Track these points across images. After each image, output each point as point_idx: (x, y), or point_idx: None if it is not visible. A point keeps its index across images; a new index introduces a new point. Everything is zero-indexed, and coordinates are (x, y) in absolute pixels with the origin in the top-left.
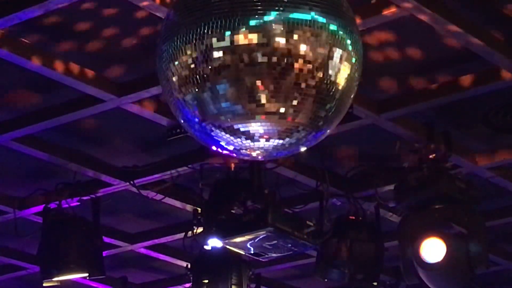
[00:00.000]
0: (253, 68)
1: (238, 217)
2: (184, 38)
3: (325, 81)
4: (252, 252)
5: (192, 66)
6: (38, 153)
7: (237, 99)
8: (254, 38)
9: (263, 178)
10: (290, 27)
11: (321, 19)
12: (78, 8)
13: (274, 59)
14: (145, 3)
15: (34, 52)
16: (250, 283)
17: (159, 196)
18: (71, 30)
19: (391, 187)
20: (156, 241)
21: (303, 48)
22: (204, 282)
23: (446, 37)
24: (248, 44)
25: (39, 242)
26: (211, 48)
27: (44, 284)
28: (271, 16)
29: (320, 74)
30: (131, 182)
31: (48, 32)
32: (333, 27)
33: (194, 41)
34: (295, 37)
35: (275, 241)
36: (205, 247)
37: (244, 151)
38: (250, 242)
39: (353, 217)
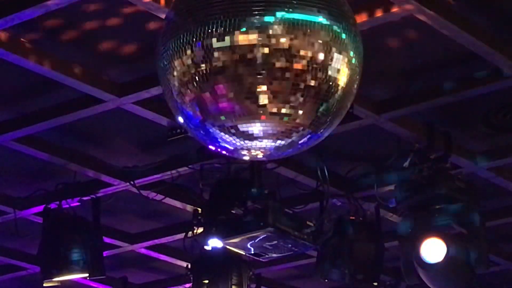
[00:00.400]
0: (253, 68)
1: (238, 217)
2: (185, 38)
3: (326, 82)
4: (252, 252)
5: (193, 66)
6: (38, 153)
7: (237, 99)
8: (254, 38)
9: (263, 178)
10: (290, 28)
11: (321, 20)
12: (78, 9)
13: (274, 59)
14: (145, 3)
15: (34, 52)
16: (250, 283)
17: (159, 196)
18: (71, 31)
19: (391, 187)
20: (156, 241)
21: (303, 48)
22: (204, 282)
23: (446, 37)
24: (248, 44)
25: (39, 242)
26: (211, 48)
27: (44, 284)
28: (271, 17)
29: (321, 75)
30: (131, 182)
31: (48, 32)
32: (333, 27)
33: (194, 41)
34: (295, 37)
35: (275, 241)
36: (205, 247)
37: (244, 151)
38: (250, 242)
39: (353, 217)
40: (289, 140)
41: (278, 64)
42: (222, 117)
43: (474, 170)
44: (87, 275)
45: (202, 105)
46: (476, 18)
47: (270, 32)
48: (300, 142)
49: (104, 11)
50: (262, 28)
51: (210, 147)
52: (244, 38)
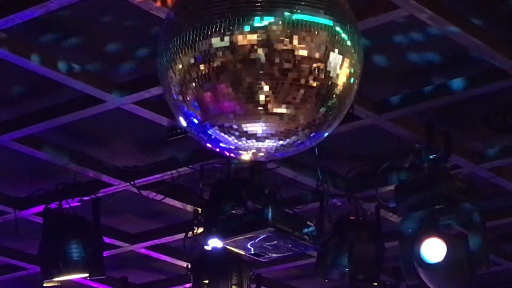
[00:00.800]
0: (254, 68)
1: (238, 217)
2: (185, 39)
3: (326, 82)
4: (252, 252)
5: (192, 66)
6: (38, 153)
7: (237, 99)
8: (254, 38)
9: (263, 178)
10: (291, 28)
11: (322, 20)
12: (78, 9)
13: (275, 59)
14: (145, 4)
15: (34, 52)
16: (251, 284)
17: (159, 196)
18: (72, 30)
19: (391, 187)
20: (157, 241)
21: (303, 48)
22: (204, 283)
23: (446, 37)
24: (249, 45)
25: (39, 242)
26: (211, 49)
27: (44, 285)
28: (272, 17)
29: (321, 75)
30: (132, 182)
31: (49, 32)
32: (333, 27)
33: (194, 42)
34: (296, 37)
35: (275, 241)
36: (206, 247)
37: (244, 151)
38: (251, 242)
39: (354, 217)
40: (289, 140)
41: (278, 64)
42: (222, 117)
43: (474, 170)
44: (87, 275)
45: (202, 105)
46: (476, 18)
47: (270, 32)
48: (300, 142)
49: (104, 11)
50: (262, 28)
51: (210, 147)
52: (244, 38)
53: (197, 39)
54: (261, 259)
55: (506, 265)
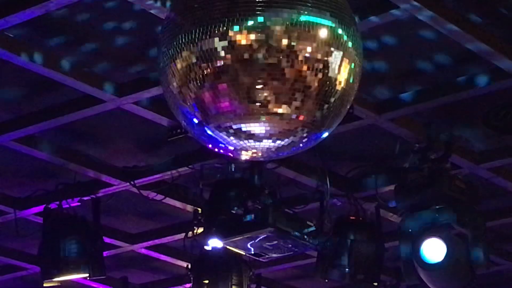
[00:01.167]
0: (254, 68)
1: (238, 217)
2: (185, 39)
3: (326, 82)
4: (252, 252)
5: (193, 66)
6: (38, 153)
7: (237, 99)
8: (254, 38)
9: (263, 178)
10: (290, 28)
11: (321, 20)
12: (78, 8)
13: (275, 59)
14: (145, 4)
15: (34, 53)
16: (251, 284)
17: (159, 196)
18: (72, 30)
19: (391, 187)
20: (157, 241)
21: (302, 48)
22: (204, 283)
23: (446, 37)
24: (249, 44)
25: (39, 242)
26: (211, 48)
27: (44, 285)
28: (272, 17)
29: (321, 75)
30: (132, 182)
31: (49, 33)
32: (333, 27)
33: (194, 41)
34: (295, 37)
35: (275, 242)
36: (206, 247)
37: (244, 151)
38: (250, 242)
39: (354, 217)
40: (289, 140)
41: (278, 64)
42: (222, 117)
43: (474, 170)
44: (87, 275)
45: (202, 105)
46: (476, 18)
47: (270, 32)
48: (300, 142)
49: (104, 11)
50: (263, 28)
51: (210, 147)
52: (244, 38)
53: (197, 39)
54: (261, 259)
55: (506, 265)
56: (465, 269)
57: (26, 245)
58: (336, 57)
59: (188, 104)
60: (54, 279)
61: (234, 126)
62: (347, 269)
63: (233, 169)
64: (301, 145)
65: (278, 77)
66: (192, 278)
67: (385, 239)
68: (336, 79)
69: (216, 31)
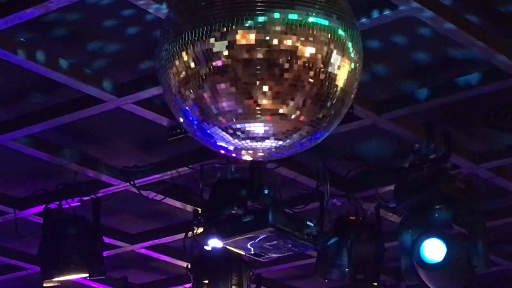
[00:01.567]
0: (253, 68)
1: (238, 217)
2: (185, 39)
3: (325, 82)
4: (252, 252)
5: (193, 66)
6: (38, 153)
7: (237, 99)
8: (254, 38)
9: (263, 178)
10: (290, 27)
11: (321, 20)
12: (78, 8)
13: (274, 59)
14: (145, 4)
15: (34, 53)
16: (251, 284)
17: (159, 197)
18: (72, 31)
19: (391, 187)
20: (157, 241)
21: (303, 48)
22: (204, 283)
23: (446, 37)
24: (248, 44)
25: (39, 242)
26: (211, 48)
27: (44, 285)
28: (271, 17)
29: (320, 75)
30: (131, 182)
31: (48, 33)
32: (333, 27)
33: (194, 41)
34: (295, 37)
35: (275, 242)
36: (206, 247)
37: (244, 151)
38: (250, 242)
39: (354, 218)
40: (289, 140)
41: (278, 64)
42: (222, 117)
43: (474, 170)
44: (87, 275)
45: (202, 105)
46: (476, 18)
47: (270, 32)
48: (300, 142)
49: (104, 11)
50: (262, 28)
51: (210, 147)
52: (244, 38)
53: (197, 38)
54: (261, 259)
55: (506, 265)
56: (465, 269)
57: (26, 245)
58: (336, 57)
59: (188, 104)
60: (54, 279)
61: (234, 126)
62: (347, 269)
63: (233, 169)
64: (301, 145)
65: (278, 77)
66: (192, 278)
67: (385, 239)
68: (336, 79)
69: (216, 31)
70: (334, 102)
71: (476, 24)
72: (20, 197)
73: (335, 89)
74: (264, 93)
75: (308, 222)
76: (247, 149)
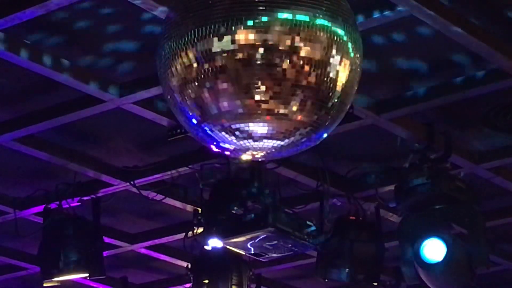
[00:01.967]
0: (253, 68)
1: (238, 217)
2: (185, 38)
3: (326, 82)
4: (252, 252)
5: (193, 66)
6: (38, 153)
7: (237, 99)
8: (254, 38)
9: (263, 178)
10: (290, 28)
11: (321, 20)
12: (78, 8)
13: (274, 59)
14: (145, 3)
15: (34, 53)
16: (251, 283)
17: (159, 196)
18: (72, 30)
19: (391, 187)
20: (157, 241)
21: (303, 48)
22: (204, 282)
23: (446, 37)
24: (249, 44)
25: (39, 242)
26: (211, 48)
27: (44, 284)
28: (272, 17)
29: (320, 75)
30: (131, 182)
31: (48, 32)
32: (333, 27)
33: (194, 41)
34: (295, 37)
35: (275, 241)
36: (206, 247)
37: (244, 151)
38: (251, 242)
39: (354, 217)
40: (289, 140)
41: (278, 64)
42: (222, 117)
43: (474, 170)
44: (87, 275)
45: (202, 105)
46: (476, 18)
47: (270, 32)
48: (300, 142)
49: (104, 11)
50: (262, 28)
51: (210, 147)
52: (244, 38)
53: (197, 38)
54: (261, 259)
55: (506, 265)
56: (465, 269)
57: (26, 245)
58: (336, 57)
59: (188, 103)
60: (54, 279)
61: (234, 126)
62: (347, 269)
63: (233, 169)
64: (301, 145)
65: (278, 77)
66: (192, 278)
67: (385, 239)
68: (336, 80)
69: (216, 31)
70: (334, 102)
71: (476, 24)
72: (20, 197)
73: (335, 89)
74: (264, 93)
75: (308, 222)
76: (247, 149)
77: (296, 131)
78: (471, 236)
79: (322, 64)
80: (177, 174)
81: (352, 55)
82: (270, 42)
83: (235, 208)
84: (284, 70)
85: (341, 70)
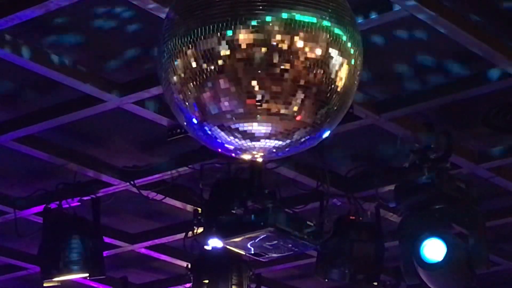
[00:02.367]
0: (253, 68)
1: (239, 217)
2: (185, 38)
3: (325, 81)
4: (252, 252)
5: (193, 66)
6: (38, 153)
7: (237, 99)
8: (254, 38)
9: (263, 178)
10: (290, 27)
11: (322, 20)
12: (78, 8)
13: (274, 59)
14: (145, 3)
15: (34, 52)
16: (251, 283)
17: (159, 196)
18: (72, 31)
19: (391, 187)
20: (157, 241)
21: (303, 48)
22: (204, 282)
23: (446, 37)
24: (249, 44)
25: (39, 242)
26: (211, 48)
27: (44, 284)
28: (272, 16)
29: (320, 75)
30: (131, 182)
31: (49, 32)
32: (333, 28)
33: (194, 41)
34: (295, 37)
35: (275, 241)
36: (206, 247)
37: (244, 151)
38: (251, 242)
39: (354, 217)
40: (289, 140)
41: (278, 65)
42: (222, 117)
43: (474, 170)
44: (87, 275)
45: (202, 105)
46: (476, 18)
47: (270, 32)
48: (300, 142)
49: (104, 11)
50: (262, 28)
51: (210, 147)
52: (244, 38)
53: (197, 38)
54: (261, 259)
55: (506, 265)
56: (465, 269)
57: (26, 245)
58: (336, 57)
59: (188, 103)
60: (54, 279)
61: (234, 126)
62: (347, 269)
63: (233, 169)
64: (301, 145)
65: (278, 77)
66: (192, 278)
67: (385, 239)
68: (336, 79)
69: (216, 31)
70: (334, 102)
71: (476, 24)
72: (20, 197)
73: (335, 89)
74: (264, 93)
75: (308, 222)
76: (247, 149)
77: (296, 131)
78: (471, 236)
79: (322, 64)
80: (177, 174)
81: (352, 55)
82: (270, 42)
83: (235, 208)
84: (284, 70)
85: (341, 70)
